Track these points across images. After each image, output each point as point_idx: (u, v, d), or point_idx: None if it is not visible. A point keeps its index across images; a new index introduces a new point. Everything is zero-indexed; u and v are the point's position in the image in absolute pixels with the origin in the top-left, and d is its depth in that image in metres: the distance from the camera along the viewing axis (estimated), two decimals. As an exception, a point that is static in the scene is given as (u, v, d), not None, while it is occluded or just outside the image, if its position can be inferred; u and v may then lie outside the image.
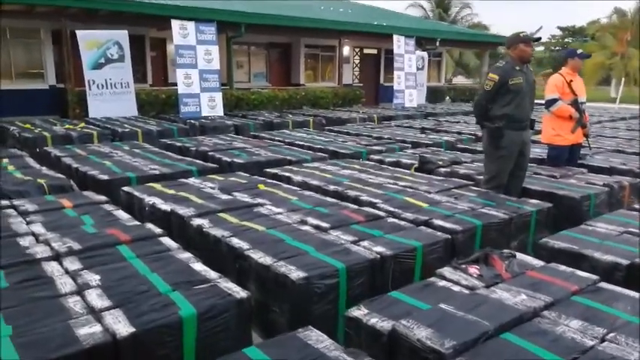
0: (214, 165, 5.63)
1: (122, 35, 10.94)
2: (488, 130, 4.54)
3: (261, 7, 15.06)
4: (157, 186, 4.50)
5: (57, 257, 2.73)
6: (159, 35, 15.56)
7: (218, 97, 11.51)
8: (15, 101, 12.59)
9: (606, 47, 32.62)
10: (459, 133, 9.05)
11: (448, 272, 2.61)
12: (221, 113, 11.58)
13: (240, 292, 2.35)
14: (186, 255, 2.82)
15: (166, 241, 3.04)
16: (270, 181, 4.92)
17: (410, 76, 15.17)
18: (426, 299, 2.30)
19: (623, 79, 28.55)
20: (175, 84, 16.24)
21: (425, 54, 17.00)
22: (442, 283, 2.50)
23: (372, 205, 4.00)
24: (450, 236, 3.28)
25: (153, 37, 15.54)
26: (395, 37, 14.71)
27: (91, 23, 11.73)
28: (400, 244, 3.05)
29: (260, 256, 2.81)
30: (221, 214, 3.61)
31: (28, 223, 3.33)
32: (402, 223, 3.51)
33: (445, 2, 37.50)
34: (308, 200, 4.08)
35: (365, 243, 3.07)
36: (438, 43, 18.40)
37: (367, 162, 5.98)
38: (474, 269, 2.58)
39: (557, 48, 57.85)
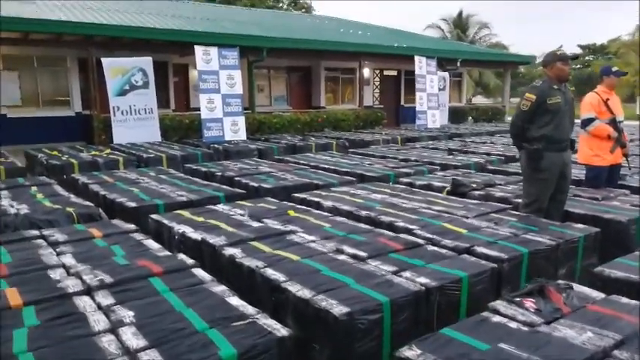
0: (241, 190, 5.54)
1: (146, 62, 11.08)
2: (526, 152, 4.37)
3: (282, 31, 15.22)
4: (186, 213, 4.41)
5: (89, 291, 2.63)
6: (181, 61, 15.83)
7: (241, 121, 11.54)
8: (42, 128, 12.84)
9: (630, 64, 32.10)
10: (487, 154, 8.84)
11: (502, 306, 2.43)
12: (244, 137, 11.58)
13: (280, 330, 2.21)
14: (220, 288, 2.69)
15: (199, 272, 2.93)
16: (300, 206, 4.80)
17: (432, 97, 15.06)
18: (483, 338, 2.13)
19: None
20: (197, 109, 16.54)
21: (446, 74, 16.90)
22: (497, 318, 2.32)
23: (409, 231, 3.84)
24: (495, 265, 3.09)
25: (175, 64, 15.79)
26: (416, 58, 14.66)
27: (115, 51, 11.95)
28: (444, 275, 2.89)
29: (298, 289, 2.67)
30: (253, 243, 3.49)
31: (58, 254, 3.26)
32: (443, 251, 3.34)
33: (463, 23, 37.54)
34: (341, 227, 3.94)
35: (407, 274, 2.91)
36: (459, 64, 18.31)
37: (397, 185, 5.82)
38: (529, 303, 2.40)
39: (579, 66, 57.41)
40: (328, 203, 4.85)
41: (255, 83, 14.75)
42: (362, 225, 4.02)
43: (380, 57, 16.98)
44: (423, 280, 2.81)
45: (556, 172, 4.33)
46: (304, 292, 2.63)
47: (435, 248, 3.41)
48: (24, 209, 4.57)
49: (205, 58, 10.93)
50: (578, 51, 57.78)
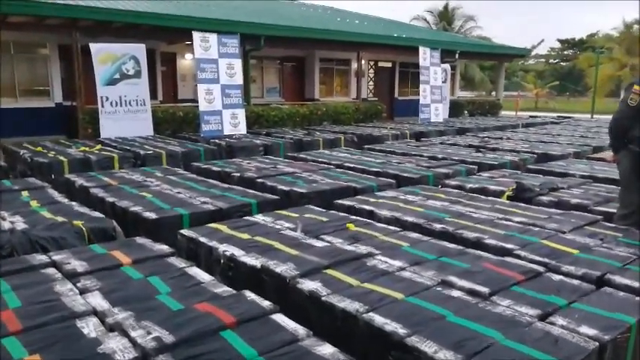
0: (274, 196, 4.76)
1: (139, 49, 10.12)
2: (631, 155, 3.72)
3: (278, 19, 14.34)
4: (222, 228, 3.64)
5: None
6: (169, 50, 14.83)
7: (241, 114, 10.68)
8: (18, 120, 11.71)
9: (614, 59, 32.22)
10: (514, 150, 8.25)
11: None
12: (244, 131, 10.74)
13: None
14: (327, 349, 1.96)
15: (285, 322, 2.18)
16: (349, 216, 4.06)
17: (435, 90, 14.44)
18: None
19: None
20: (185, 100, 15.57)
21: (448, 66, 16.29)
22: None
23: (508, 252, 3.16)
24: (655, 303, 2.43)
25: (163, 52, 14.78)
26: (421, 49, 13.99)
27: (101, 37, 10.91)
28: (608, 321, 2.21)
29: (434, 350, 1.95)
30: (330, 272, 2.75)
31: (82, 293, 2.46)
32: (575, 282, 2.66)
33: (449, 15, 37.10)
34: (423, 247, 3.23)
35: (558, 320, 2.22)
36: (457, 56, 17.74)
37: (448, 190, 5.14)
38: None
39: (557, 60, 57.85)
40: (384, 213, 4.13)
41: (250, 74, 13.86)
42: (448, 244, 3.31)
43: (377, 48, 16.23)
44: (586, 330, 2.13)
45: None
46: (446, 356, 1.91)
47: (561, 277, 2.73)
48: (19, 223, 3.72)
49: (204, 45, 10.03)
50: (557, 45, 58.43)
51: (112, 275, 2.71)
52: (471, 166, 6.60)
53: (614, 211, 4.03)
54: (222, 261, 3.12)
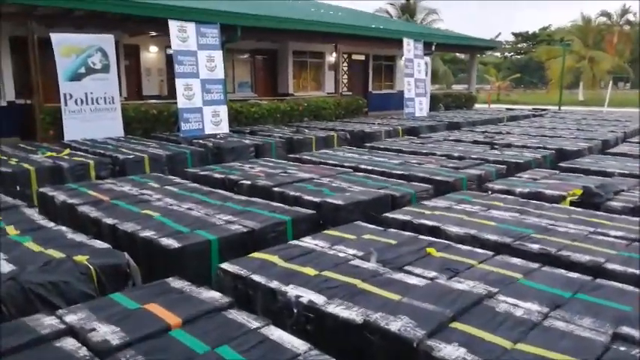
0: (309, 211, 3.99)
1: (107, 40, 9.03)
2: None
3: (253, 9, 13.42)
4: (273, 258, 2.86)
5: None
6: (132, 42, 13.64)
7: (223, 110, 9.77)
8: (-37, 122, 10.35)
9: (573, 52, 32.89)
10: (527, 146, 7.78)
11: None
12: (226, 130, 9.84)
13: None
14: None
15: None
16: (426, 238, 3.35)
17: (419, 83, 13.93)
18: None
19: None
20: (150, 96, 14.40)
21: (428, 59, 15.81)
22: None
23: (647, 281, 2.54)
24: None
25: (126, 44, 13.57)
26: (405, 40, 13.42)
27: (59, 27, 9.70)
28: None
29: None
30: (460, 327, 2.04)
31: (132, 387, 1.65)
32: None
33: (411, 7, 36.93)
34: (542, 278, 2.57)
35: None
36: (433, 48, 17.30)
37: (499, 196, 4.51)
38: None
39: (512, 54, 59.06)
40: (454, 229, 3.45)
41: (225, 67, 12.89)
42: (564, 272, 2.66)
43: (351, 40, 15.54)
44: None
45: None
46: None
47: None
48: (2, 263, 2.81)
49: (181, 35, 9.04)
50: (512, 38, 59.66)
51: (163, 348, 1.90)
52: (499, 165, 6.02)
53: None
54: (295, 310, 2.35)
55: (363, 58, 19.43)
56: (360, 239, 3.23)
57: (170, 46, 14.36)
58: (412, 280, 2.52)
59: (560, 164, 6.16)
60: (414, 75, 13.77)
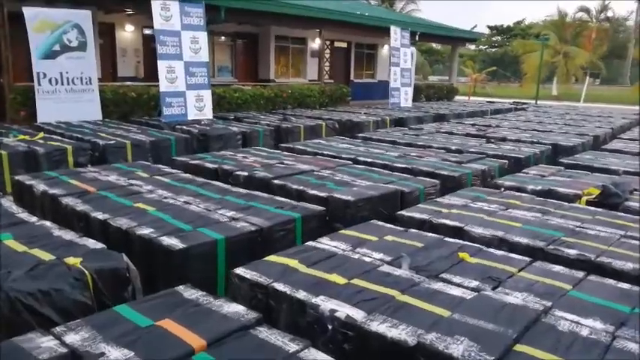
0: (319, 208, 3.70)
1: (84, 16, 8.47)
2: None
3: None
4: (293, 263, 2.57)
5: None
6: (106, 20, 12.98)
7: (207, 95, 9.33)
8: None
9: (549, 46, 33.21)
10: (521, 141, 7.64)
11: None
12: (210, 116, 9.42)
13: None
14: None
15: None
16: (454, 241, 3.12)
17: (405, 73, 13.71)
18: None
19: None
20: (126, 78, 13.75)
21: (414, 49, 15.59)
22: None
23: None
24: None
25: (101, 22, 12.89)
26: (392, 29, 13.15)
27: (31, 0, 9.07)
28: None
29: None
30: (526, 350, 1.80)
31: None
32: None
33: (391, -4, 36.73)
34: (594, 289, 2.36)
35: None
36: (417, 37, 17.10)
37: (513, 193, 4.31)
38: None
39: (486, 47, 59.53)
40: (479, 230, 3.22)
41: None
42: (614, 282, 2.45)
43: (335, 26, 15.19)
44: None
45: None
46: None
47: None
48: (-19, 265, 2.44)
49: (164, 14, 8.53)
50: (487, 31, 60.12)
51: (190, 380, 1.59)
52: (502, 160, 5.84)
53: None
54: (330, 327, 2.07)
55: (345, 45, 19.10)
56: (382, 241, 2.97)
57: (148, 26, 13.88)
58: (455, 291, 2.27)
59: (562, 160, 6.01)
60: (400, 64, 13.54)
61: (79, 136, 6.87)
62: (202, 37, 9.16)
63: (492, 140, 7.36)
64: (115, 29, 13.75)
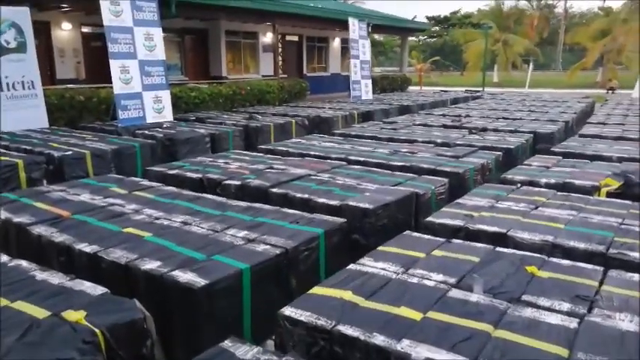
0: (339, 219, 3.28)
1: (22, 14, 7.57)
2: None
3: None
4: (346, 295, 2.16)
5: None
6: (41, 18, 11.88)
7: (165, 96, 8.64)
8: None
9: (489, 34, 34.09)
10: (501, 130, 7.53)
11: None
12: (170, 118, 8.73)
13: None
14: None
15: None
16: (508, 251, 2.80)
17: (365, 65, 13.43)
18: None
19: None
20: (65, 80, 12.69)
21: (367, 41, 15.31)
22: None
23: None
24: None
25: (35, 21, 11.76)
26: (350, 20, 12.82)
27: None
28: None
29: None
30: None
31: None
32: None
33: (336, -11, 36.42)
34: (694, 302, 2.09)
35: None
36: (370, 29, 16.87)
37: (531, 188, 4.07)
38: None
39: (426, 37, 60.63)
40: (525, 236, 2.92)
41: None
42: None
43: (287, 19, 14.71)
44: None
45: None
46: None
47: None
48: (-47, 333, 1.86)
49: (114, 9, 7.76)
50: (426, 21, 61.31)
51: None
52: (497, 152, 5.63)
53: None
54: (429, 381, 1.68)
55: (296, 39, 18.65)
56: (432, 257, 2.60)
57: (87, 24, 12.88)
58: (552, 319, 1.94)
59: (553, 149, 5.89)
60: (360, 57, 13.26)
61: (28, 147, 6.08)
62: (157, 33, 8.45)
63: (474, 131, 7.18)
64: (50, 28, 12.67)
